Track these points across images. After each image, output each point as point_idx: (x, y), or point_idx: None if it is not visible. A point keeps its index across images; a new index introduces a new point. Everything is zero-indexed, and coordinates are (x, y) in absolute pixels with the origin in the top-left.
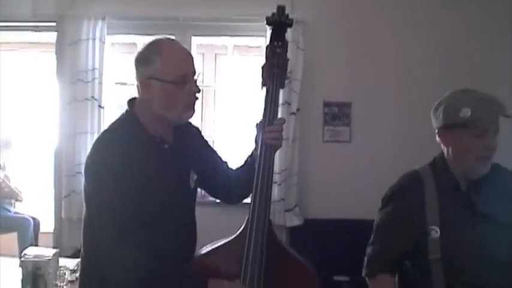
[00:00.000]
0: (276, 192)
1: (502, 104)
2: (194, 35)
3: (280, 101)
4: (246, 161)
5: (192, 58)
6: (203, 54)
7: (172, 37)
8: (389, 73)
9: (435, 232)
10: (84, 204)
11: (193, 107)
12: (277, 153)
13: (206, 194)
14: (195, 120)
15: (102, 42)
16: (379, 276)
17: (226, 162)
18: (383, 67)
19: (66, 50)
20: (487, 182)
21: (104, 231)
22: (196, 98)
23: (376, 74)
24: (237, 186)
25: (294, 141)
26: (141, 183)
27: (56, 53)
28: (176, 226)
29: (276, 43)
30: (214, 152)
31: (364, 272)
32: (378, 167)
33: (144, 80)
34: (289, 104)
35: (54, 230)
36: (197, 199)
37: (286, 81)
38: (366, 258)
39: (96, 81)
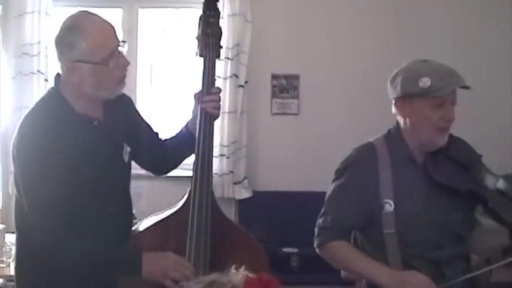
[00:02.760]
0: (224, 165)
1: (459, 74)
2: (141, 7)
3: (228, 73)
4: (180, 131)
5: (114, 29)
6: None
7: (120, 10)
8: (337, 44)
9: (389, 206)
10: (15, 187)
11: (124, 80)
12: (225, 125)
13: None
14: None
15: (48, 15)
16: (331, 243)
17: (157, 133)
18: (331, 38)
19: (11, 23)
20: (442, 153)
21: (35, 214)
22: (126, 71)
23: (325, 46)
24: (169, 157)
25: (242, 113)
26: (70, 163)
27: (1, 26)
28: (111, 202)
29: (208, 12)
30: (146, 122)
31: (315, 243)
32: (325, 139)
33: (70, 64)
34: (237, 76)
35: (1, 206)
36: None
37: (227, 52)
38: (316, 229)
39: (42, 54)
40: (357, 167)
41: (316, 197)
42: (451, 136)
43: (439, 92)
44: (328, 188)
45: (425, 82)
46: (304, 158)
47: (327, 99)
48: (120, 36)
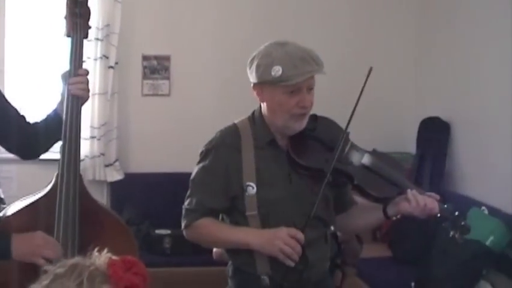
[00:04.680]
0: (95, 147)
1: (316, 60)
2: None
3: (98, 54)
4: (49, 114)
5: None
6: None
7: None
8: (209, 25)
9: (251, 189)
10: None
11: None
12: (96, 107)
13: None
14: None
15: None
16: (196, 222)
17: (23, 117)
18: (202, 19)
19: None
20: (307, 135)
21: None
22: None
23: (196, 26)
24: (38, 141)
25: (112, 95)
26: None
27: None
28: None
29: None
30: (12, 106)
31: (182, 225)
32: (197, 120)
33: None
34: (107, 57)
35: None
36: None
37: (90, 31)
38: (183, 211)
39: None
40: (220, 149)
41: (188, 178)
42: (316, 117)
43: (289, 81)
44: (193, 169)
45: (276, 71)
46: (175, 139)
47: (198, 80)
48: None
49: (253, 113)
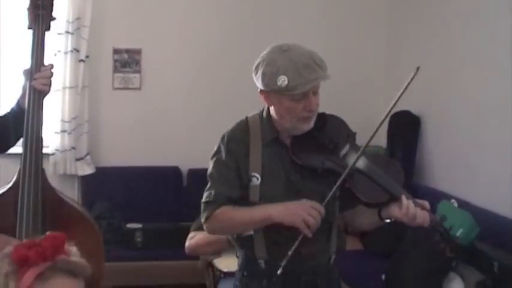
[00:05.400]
0: (66, 141)
1: (320, 64)
2: None
3: (68, 48)
4: (11, 108)
5: None
6: None
7: None
8: (180, 19)
9: (256, 179)
10: None
11: None
12: (66, 101)
13: None
14: None
15: None
16: (216, 211)
17: None
18: (174, 12)
19: None
20: (313, 134)
21: None
22: None
23: (167, 20)
24: (5, 134)
25: (83, 88)
26: None
27: None
28: None
29: None
30: None
31: (203, 219)
32: (168, 114)
33: None
34: (77, 51)
35: None
36: None
37: (53, 23)
38: (202, 205)
39: None
40: (230, 144)
41: (160, 172)
42: (324, 116)
43: (296, 90)
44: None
45: (282, 81)
46: (146, 133)
47: (170, 73)
48: None
49: (263, 110)
